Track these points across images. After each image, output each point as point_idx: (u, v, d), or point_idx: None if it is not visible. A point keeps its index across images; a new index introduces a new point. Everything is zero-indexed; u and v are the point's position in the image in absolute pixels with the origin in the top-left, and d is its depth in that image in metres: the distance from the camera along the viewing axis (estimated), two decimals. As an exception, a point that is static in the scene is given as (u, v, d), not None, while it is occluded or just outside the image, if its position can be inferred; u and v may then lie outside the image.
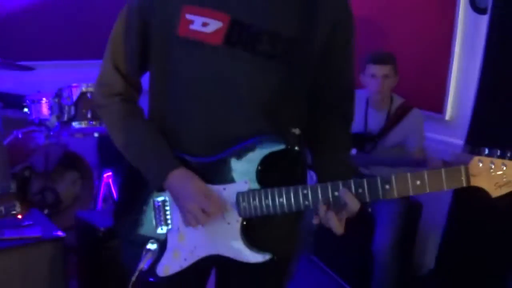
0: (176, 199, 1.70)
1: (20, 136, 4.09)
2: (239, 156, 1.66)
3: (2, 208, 3.19)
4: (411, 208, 3.79)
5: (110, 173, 4.27)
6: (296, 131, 1.66)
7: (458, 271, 3.66)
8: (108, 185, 4.27)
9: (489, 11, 3.59)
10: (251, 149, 1.64)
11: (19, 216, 3.07)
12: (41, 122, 4.09)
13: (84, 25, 5.24)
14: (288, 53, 1.66)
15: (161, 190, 1.74)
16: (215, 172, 1.68)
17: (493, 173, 1.43)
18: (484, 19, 3.65)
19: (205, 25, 1.64)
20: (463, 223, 3.70)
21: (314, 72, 1.74)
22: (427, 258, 4.08)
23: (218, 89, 1.67)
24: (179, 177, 1.68)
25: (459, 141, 3.72)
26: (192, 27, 1.65)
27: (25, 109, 4.10)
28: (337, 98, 1.84)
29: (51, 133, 4.06)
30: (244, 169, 1.65)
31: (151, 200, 1.79)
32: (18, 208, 3.21)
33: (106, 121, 1.85)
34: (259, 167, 1.64)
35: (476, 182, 1.44)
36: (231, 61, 1.65)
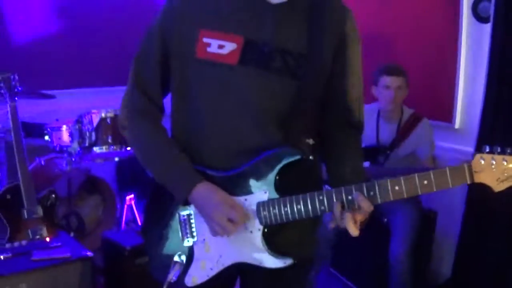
0: (201, 211, 1.80)
1: (42, 163, 4.20)
2: (257, 168, 1.76)
3: (29, 232, 3.31)
4: (426, 217, 3.84)
5: (132, 196, 4.35)
6: (310, 141, 1.78)
7: (475, 280, 3.70)
8: (131, 207, 4.35)
9: (491, 19, 3.65)
10: (269, 161, 1.75)
11: (47, 239, 3.17)
12: (62, 149, 4.18)
13: (100, 54, 5.39)
14: (300, 69, 1.77)
15: (186, 204, 1.84)
16: (236, 185, 1.79)
17: (494, 169, 1.51)
18: (487, 28, 3.73)
19: (221, 47, 1.77)
20: (477, 231, 3.74)
21: (324, 84, 1.84)
22: (443, 267, 4.11)
23: (235, 106, 1.78)
24: (204, 189, 1.78)
25: (469, 149, 3.78)
26: (209, 49, 1.77)
27: (46, 137, 4.21)
28: (346, 108, 1.93)
29: (73, 159, 4.15)
30: (262, 180, 1.75)
31: (177, 214, 1.89)
32: (44, 232, 3.32)
33: (130, 140, 1.96)
34: (277, 177, 1.74)
35: (479, 178, 1.53)
36: (246, 79, 1.76)
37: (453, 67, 4.01)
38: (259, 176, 1.76)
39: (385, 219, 3.73)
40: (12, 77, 3.68)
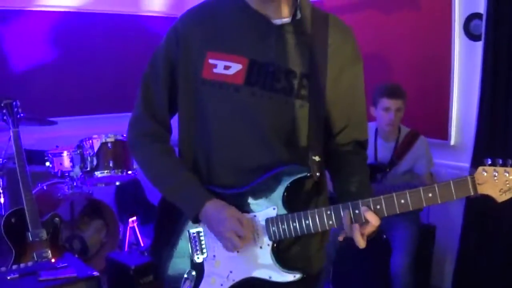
0: (211, 227, 1.84)
1: (45, 188, 4.25)
2: (266, 185, 1.81)
3: (34, 254, 3.34)
4: (425, 231, 3.89)
5: (135, 218, 4.38)
6: (317, 158, 1.83)
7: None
8: (133, 230, 4.37)
9: (483, 37, 3.74)
10: (277, 178, 1.80)
11: (53, 260, 3.19)
12: (63, 174, 4.22)
13: (99, 82, 5.48)
14: (303, 88, 1.83)
15: (196, 221, 1.88)
16: (245, 201, 1.84)
17: (497, 181, 1.56)
18: (479, 46, 3.81)
19: (227, 68, 1.82)
20: (476, 244, 3.79)
21: (328, 103, 1.88)
22: (444, 280, 4.16)
23: (241, 125, 1.84)
24: (213, 207, 1.82)
25: (465, 164, 3.85)
26: (216, 70, 1.83)
27: (47, 163, 4.25)
28: (353, 127, 1.99)
29: (75, 183, 4.19)
30: (271, 197, 1.80)
31: (187, 232, 1.94)
32: (49, 254, 3.36)
33: (138, 160, 2.01)
34: (285, 194, 1.79)
35: (482, 190, 1.58)
36: (252, 99, 1.82)
37: (447, 85, 4.09)
38: (268, 193, 1.81)
39: (384, 236, 3.77)
40: (14, 103, 3.74)
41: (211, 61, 1.84)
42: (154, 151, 1.96)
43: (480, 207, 3.64)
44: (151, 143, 1.96)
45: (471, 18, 3.95)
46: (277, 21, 1.84)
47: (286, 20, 1.85)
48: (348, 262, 3.84)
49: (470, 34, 3.96)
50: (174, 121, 1.99)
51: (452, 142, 4.15)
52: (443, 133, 4.16)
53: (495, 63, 3.67)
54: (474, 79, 3.89)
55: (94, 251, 4.34)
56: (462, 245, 3.89)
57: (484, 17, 3.74)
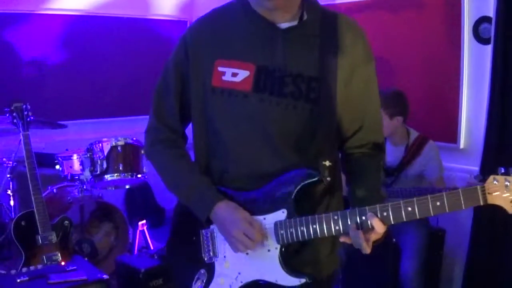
0: (221, 228, 1.87)
1: (54, 191, 4.27)
2: (276, 189, 1.82)
3: (44, 257, 3.37)
4: (435, 235, 3.89)
5: (144, 222, 4.41)
6: (327, 163, 1.83)
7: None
8: (143, 233, 4.40)
9: (492, 40, 3.74)
10: (287, 182, 1.81)
11: (62, 263, 3.21)
12: (73, 178, 4.24)
13: (108, 86, 5.55)
14: (312, 92, 1.82)
15: (208, 222, 1.91)
16: (255, 204, 1.85)
17: (508, 191, 1.52)
18: (488, 49, 3.81)
19: (235, 75, 1.84)
20: (486, 248, 3.78)
21: (339, 106, 1.87)
22: (454, 285, 4.14)
23: (251, 131, 1.85)
24: (224, 208, 1.85)
25: (475, 168, 3.83)
26: (224, 78, 1.85)
27: (57, 166, 4.28)
28: (370, 129, 1.98)
29: (85, 187, 4.22)
30: (281, 200, 1.81)
31: (200, 232, 1.96)
32: (58, 257, 3.38)
33: (155, 166, 2.05)
34: (295, 198, 1.80)
35: (492, 200, 1.54)
36: (260, 105, 1.83)
37: (456, 88, 4.09)
38: (278, 197, 1.82)
39: (394, 240, 3.77)
40: (24, 106, 3.77)
41: (219, 68, 1.86)
42: (168, 156, 2.02)
43: (490, 212, 3.63)
44: (166, 149, 2.02)
45: (480, 22, 3.96)
46: (284, 25, 1.84)
47: (293, 23, 1.85)
48: (357, 266, 3.84)
49: (479, 37, 3.97)
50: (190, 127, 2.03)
51: (462, 145, 4.15)
52: (453, 136, 4.16)
53: (505, 67, 3.66)
54: (483, 82, 3.89)
55: (104, 255, 4.35)
56: (472, 250, 3.88)
57: (493, 21, 3.74)
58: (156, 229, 4.91)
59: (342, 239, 1.78)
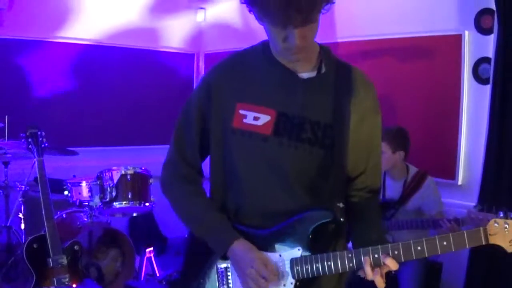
0: (236, 266, 1.95)
1: (64, 216, 4.36)
2: (293, 227, 1.92)
3: (54, 280, 3.45)
4: (432, 268, 3.96)
5: (151, 249, 4.49)
6: (340, 204, 1.96)
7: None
8: (150, 260, 4.47)
9: (491, 80, 3.87)
10: (303, 221, 1.91)
11: (74, 286, 3.29)
12: (82, 204, 4.34)
13: (117, 115, 5.68)
14: (327, 139, 1.95)
15: (224, 257, 2.00)
16: (272, 242, 1.95)
17: (507, 232, 1.67)
18: (487, 89, 3.94)
19: (256, 119, 1.95)
20: (482, 281, 3.86)
21: (349, 151, 1.99)
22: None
23: (267, 171, 1.96)
24: (240, 246, 1.94)
25: (472, 203, 3.84)
26: (246, 120, 1.96)
27: (66, 192, 4.38)
28: (369, 174, 2.10)
29: (94, 213, 4.30)
30: (296, 238, 1.92)
31: (215, 266, 2.04)
32: (68, 279, 3.47)
33: (171, 200, 2.12)
34: (310, 236, 1.90)
35: (493, 240, 1.69)
36: (279, 148, 1.94)
37: (455, 126, 4.21)
38: (294, 235, 1.92)
39: (393, 272, 3.83)
40: (39, 133, 3.87)
41: (241, 111, 1.96)
42: (186, 192, 2.09)
43: (486, 247, 3.72)
44: (183, 185, 2.09)
45: (480, 62, 4.08)
46: (304, 75, 1.96)
47: (312, 74, 1.97)
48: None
49: (479, 77, 4.09)
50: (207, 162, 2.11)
51: (460, 182, 4.26)
52: (451, 173, 4.27)
53: (503, 106, 3.78)
54: (482, 121, 4.01)
55: (110, 279, 4.41)
56: (468, 283, 3.97)
57: (492, 61, 3.86)
58: (159, 256, 4.96)
59: (361, 274, 1.88)
